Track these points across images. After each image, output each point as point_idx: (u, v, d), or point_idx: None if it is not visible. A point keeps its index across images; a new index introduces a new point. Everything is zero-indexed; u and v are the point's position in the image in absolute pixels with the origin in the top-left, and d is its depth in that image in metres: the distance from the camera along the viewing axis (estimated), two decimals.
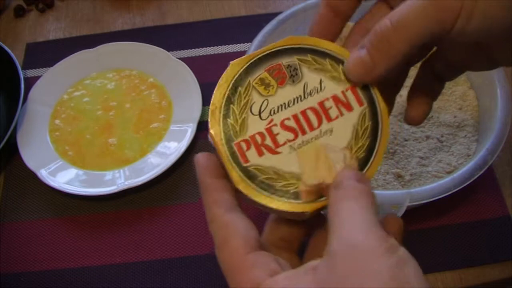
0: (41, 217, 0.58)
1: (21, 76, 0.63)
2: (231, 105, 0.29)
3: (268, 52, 0.30)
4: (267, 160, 0.29)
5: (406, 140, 0.55)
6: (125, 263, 0.54)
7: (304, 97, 0.30)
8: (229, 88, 0.30)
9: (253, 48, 0.56)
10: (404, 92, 0.58)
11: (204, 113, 0.63)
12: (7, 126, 0.61)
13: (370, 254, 0.24)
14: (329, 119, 0.29)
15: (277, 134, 0.29)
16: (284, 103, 0.30)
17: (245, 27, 0.72)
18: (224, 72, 0.30)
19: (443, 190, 0.47)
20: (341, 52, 0.31)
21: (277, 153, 0.29)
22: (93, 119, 0.63)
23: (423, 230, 0.54)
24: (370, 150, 0.29)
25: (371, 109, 0.30)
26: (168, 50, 0.67)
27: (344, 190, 0.27)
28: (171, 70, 0.65)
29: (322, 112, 0.29)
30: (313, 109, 0.29)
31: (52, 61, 0.68)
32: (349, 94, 0.30)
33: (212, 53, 0.70)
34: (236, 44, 0.70)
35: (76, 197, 0.58)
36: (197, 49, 0.70)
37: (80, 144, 0.61)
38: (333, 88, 0.30)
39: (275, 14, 0.61)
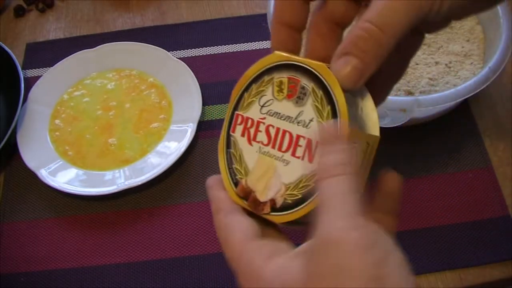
0: (41, 217, 0.58)
1: (21, 76, 0.63)
2: (253, 84, 0.33)
3: (302, 64, 0.32)
4: (242, 143, 0.33)
5: (417, 64, 0.59)
6: (125, 263, 0.54)
7: (292, 121, 0.32)
8: (260, 71, 0.33)
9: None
10: None
11: (204, 113, 0.63)
12: (7, 126, 0.61)
13: (351, 250, 0.24)
14: (293, 154, 0.31)
15: (260, 131, 0.33)
16: (279, 114, 0.32)
17: (245, 27, 0.72)
18: (266, 56, 0.33)
19: (449, 98, 0.52)
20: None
21: (250, 144, 0.33)
22: (93, 119, 0.63)
23: (423, 229, 0.54)
24: (297, 203, 0.31)
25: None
26: (168, 50, 0.67)
27: (330, 166, 0.27)
28: (171, 70, 0.65)
29: (293, 144, 0.32)
30: (290, 136, 0.32)
31: (52, 61, 0.68)
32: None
33: (212, 53, 0.70)
34: (236, 44, 0.70)
35: (76, 197, 0.58)
36: (197, 49, 0.70)
37: (80, 144, 0.61)
38: (315, 133, 0.31)
39: None
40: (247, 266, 0.28)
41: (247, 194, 0.33)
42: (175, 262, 0.54)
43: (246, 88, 0.33)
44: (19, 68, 0.64)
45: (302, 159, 0.31)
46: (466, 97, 0.52)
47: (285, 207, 0.31)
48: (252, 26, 0.71)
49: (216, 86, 0.66)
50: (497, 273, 0.51)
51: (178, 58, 0.66)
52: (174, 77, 0.65)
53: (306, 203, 0.30)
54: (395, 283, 0.24)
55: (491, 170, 0.57)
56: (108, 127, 0.62)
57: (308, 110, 0.31)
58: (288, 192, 0.31)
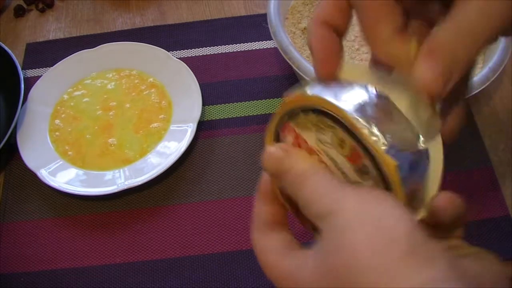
0: (41, 217, 0.58)
1: (21, 76, 0.63)
2: (314, 112, 0.29)
3: (368, 146, 0.27)
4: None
5: None
6: (125, 263, 0.54)
7: (349, 181, 0.29)
8: (325, 106, 0.28)
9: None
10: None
11: (204, 113, 0.63)
12: (7, 126, 0.61)
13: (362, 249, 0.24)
14: None
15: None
16: (337, 163, 0.29)
17: (245, 27, 0.72)
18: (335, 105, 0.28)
19: None
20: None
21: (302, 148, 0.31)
22: (93, 119, 0.63)
23: None
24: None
25: None
26: (168, 50, 0.67)
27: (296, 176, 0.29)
28: (171, 70, 0.65)
29: None
30: None
31: (52, 61, 0.68)
32: None
33: (212, 53, 0.70)
34: (236, 44, 0.70)
35: (76, 197, 0.58)
36: (197, 49, 0.70)
37: (80, 144, 0.61)
38: None
39: None
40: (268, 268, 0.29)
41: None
42: (175, 262, 0.54)
43: (305, 110, 0.29)
44: (19, 68, 0.64)
45: None
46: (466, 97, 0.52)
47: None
48: (252, 26, 0.71)
49: (216, 86, 0.66)
50: None
51: (178, 58, 0.66)
52: (174, 77, 0.65)
53: None
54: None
55: (491, 170, 0.57)
56: (108, 127, 0.62)
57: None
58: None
